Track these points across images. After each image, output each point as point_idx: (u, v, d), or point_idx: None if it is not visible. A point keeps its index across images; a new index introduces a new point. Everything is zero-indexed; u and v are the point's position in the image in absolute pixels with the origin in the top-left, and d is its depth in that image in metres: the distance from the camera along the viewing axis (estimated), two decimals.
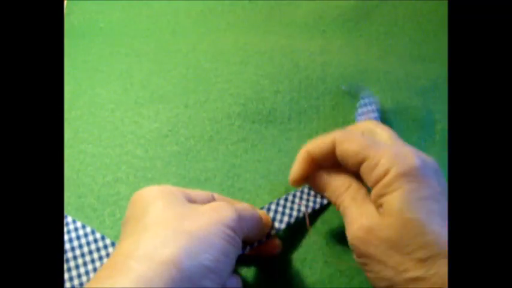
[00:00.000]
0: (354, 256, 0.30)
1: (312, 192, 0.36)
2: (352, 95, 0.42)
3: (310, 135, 0.40)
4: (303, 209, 0.34)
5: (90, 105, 0.43)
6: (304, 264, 0.34)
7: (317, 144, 0.32)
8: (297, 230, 0.35)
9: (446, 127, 0.41)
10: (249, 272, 0.33)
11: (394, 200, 0.27)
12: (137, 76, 0.45)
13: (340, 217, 0.36)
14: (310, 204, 0.35)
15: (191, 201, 0.30)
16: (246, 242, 0.31)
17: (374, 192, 0.29)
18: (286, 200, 0.35)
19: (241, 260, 0.33)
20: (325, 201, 0.35)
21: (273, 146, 0.40)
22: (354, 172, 0.31)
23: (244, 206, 0.31)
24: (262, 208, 0.34)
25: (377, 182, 0.28)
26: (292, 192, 0.35)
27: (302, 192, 0.36)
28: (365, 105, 0.40)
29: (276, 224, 0.34)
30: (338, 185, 0.32)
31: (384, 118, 0.40)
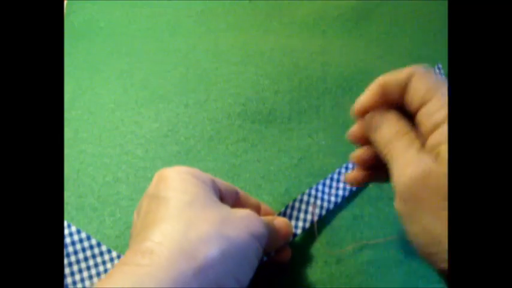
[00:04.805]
0: (397, 202, 0.26)
1: (326, 190, 0.36)
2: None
3: (310, 135, 0.40)
4: (316, 211, 0.35)
5: (90, 105, 0.43)
6: (304, 264, 0.34)
7: (393, 74, 0.29)
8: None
9: None
10: None
11: None
12: (137, 76, 0.45)
13: (339, 218, 0.36)
14: (325, 204, 0.35)
15: (219, 196, 0.29)
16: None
17: (431, 139, 0.26)
18: (301, 201, 0.35)
19: None
20: (339, 200, 0.36)
21: (273, 146, 0.40)
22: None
23: (267, 218, 0.30)
24: (279, 214, 0.34)
25: (435, 128, 0.26)
26: (307, 191, 0.36)
27: (317, 190, 0.36)
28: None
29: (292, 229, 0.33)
30: (392, 130, 0.28)
31: None
